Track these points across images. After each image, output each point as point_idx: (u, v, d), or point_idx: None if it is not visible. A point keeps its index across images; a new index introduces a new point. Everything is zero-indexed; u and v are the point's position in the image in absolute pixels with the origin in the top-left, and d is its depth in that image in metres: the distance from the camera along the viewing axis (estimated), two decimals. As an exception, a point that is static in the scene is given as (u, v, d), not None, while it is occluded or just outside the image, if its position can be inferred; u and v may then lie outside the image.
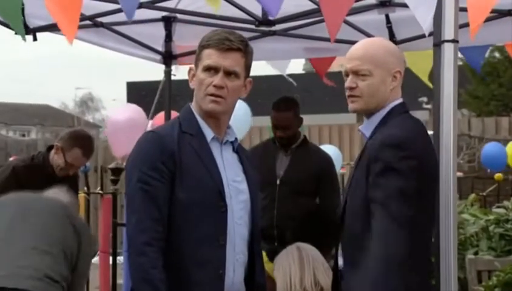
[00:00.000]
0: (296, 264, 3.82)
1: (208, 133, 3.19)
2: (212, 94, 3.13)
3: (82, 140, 5.43)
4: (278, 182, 5.86)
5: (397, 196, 3.01)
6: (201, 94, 3.16)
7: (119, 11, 5.33)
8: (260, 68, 6.61)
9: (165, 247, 3.06)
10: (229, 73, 3.13)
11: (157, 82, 6.44)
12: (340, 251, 3.27)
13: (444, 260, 3.31)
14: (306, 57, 6.31)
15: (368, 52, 3.25)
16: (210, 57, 3.13)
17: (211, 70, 3.12)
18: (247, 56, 3.18)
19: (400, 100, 3.31)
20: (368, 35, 5.67)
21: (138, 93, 20.55)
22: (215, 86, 3.12)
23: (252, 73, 3.26)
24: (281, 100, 5.85)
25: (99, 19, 5.52)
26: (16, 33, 5.32)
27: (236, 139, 3.29)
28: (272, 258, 4.60)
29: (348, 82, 3.27)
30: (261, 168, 5.95)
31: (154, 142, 3.11)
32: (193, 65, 3.22)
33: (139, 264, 3.01)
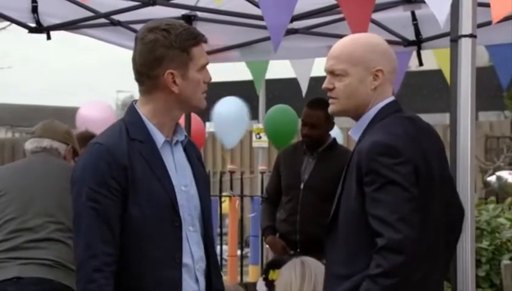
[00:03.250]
0: (298, 279, 3.67)
1: (159, 138, 2.99)
2: (206, 92, 3.05)
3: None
4: (302, 186, 5.72)
5: (401, 212, 2.84)
6: (198, 95, 3.01)
7: (135, 8, 5.24)
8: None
9: (119, 267, 2.88)
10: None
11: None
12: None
13: (461, 269, 3.16)
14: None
15: (345, 50, 3.06)
16: (203, 54, 3.01)
17: (206, 66, 3.03)
18: None
19: (390, 99, 3.08)
20: (393, 33, 5.51)
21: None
22: (206, 83, 3.04)
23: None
24: (316, 99, 5.70)
25: (116, 17, 5.42)
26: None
27: (185, 136, 3.10)
28: None
29: (325, 82, 3.10)
30: (288, 170, 5.86)
31: (103, 156, 2.88)
32: (172, 70, 2.98)
33: None
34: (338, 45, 3.11)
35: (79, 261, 2.86)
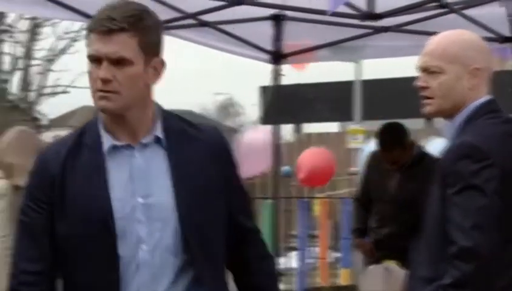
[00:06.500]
0: (383, 287, 3.57)
1: (106, 142, 2.52)
2: (100, 90, 2.47)
3: None
4: (387, 199, 5.66)
5: (476, 219, 2.70)
6: (92, 91, 2.50)
7: (222, 8, 5.21)
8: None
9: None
10: (115, 61, 2.45)
11: (290, 86, 6.28)
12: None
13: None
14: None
15: (439, 47, 2.90)
16: (92, 44, 2.47)
17: (95, 60, 2.47)
18: (141, 34, 2.46)
19: (486, 98, 2.93)
20: (488, 29, 5.32)
21: (271, 96, 20.48)
22: (101, 80, 2.46)
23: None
24: (386, 136, 5.61)
25: (204, 18, 5.40)
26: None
27: (156, 137, 2.54)
28: None
29: (418, 80, 2.95)
30: (375, 180, 5.82)
31: (37, 166, 2.57)
32: None
33: None
34: (433, 41, 2.97)
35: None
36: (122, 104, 2.47)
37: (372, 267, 3.81)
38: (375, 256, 5.60)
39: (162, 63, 2.53)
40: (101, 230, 2.46)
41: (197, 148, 2.57)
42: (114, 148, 2.51)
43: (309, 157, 8.11)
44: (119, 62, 2.44)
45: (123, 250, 2.47)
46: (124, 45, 2.44)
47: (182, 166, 2.53)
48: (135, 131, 2.52)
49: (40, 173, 2.54)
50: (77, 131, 2.58)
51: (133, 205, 2.49)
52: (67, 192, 2.49)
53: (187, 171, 2.52)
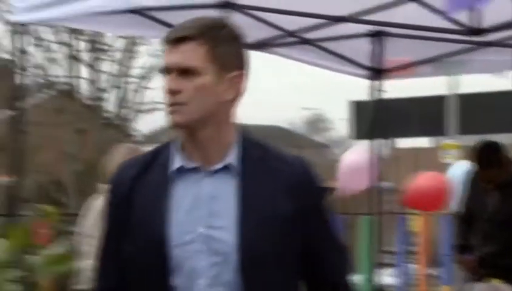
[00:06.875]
0: None
1: (176, 163, 2.33)
2: (170, 104, 2.29)
3: None
4: (486, 217, 5.59)
5: None
6: (166, 108, 2.33)
7: (324, 25, 5.24)
8: None
9: None
10: (183, 71, 2.27)
11: (385, 101, 6.30)
12: None
13: None
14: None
15: None
16: (165, 55, 2.31)
17: (167, 72, 2.30)
18: (212, 43, 2.26)
19: None
20: None
21: (361, 112, 20.42)
22: (169, 91, 2.29)
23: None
24: (482, 154, 5.57)
25: (304, 35, 5.45)
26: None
27: (228, 164, 2.31)
28: None
29: None
30: (473, 196, 5.77)
31: (111, 184, 2.45)
32: None
33: None
34: None
35: None
36: (190, 117, 2.27)
37: (477, 285, 3.74)
38: (478, 273, 5.54)
39: (241, 79, 2.30)
40: (154, 256, 2.30)
41: (275, 179, 2.32)
42: (183, 170, 2.32)
43: (423, 181, 8.05)
44: (186, 71, 2.26)
45: (178, 280, 2.29)
46: (191, 53, 2.26)
47: (253, 198, 2.29)
48: (207, 153, 2.31)
49: (114, 191, 2.41)
50: (153, 150, 2.42)
51: (194, 234, 2.30)
52: (133, 212, 2.34)
53: (258, 204, 2.29)
